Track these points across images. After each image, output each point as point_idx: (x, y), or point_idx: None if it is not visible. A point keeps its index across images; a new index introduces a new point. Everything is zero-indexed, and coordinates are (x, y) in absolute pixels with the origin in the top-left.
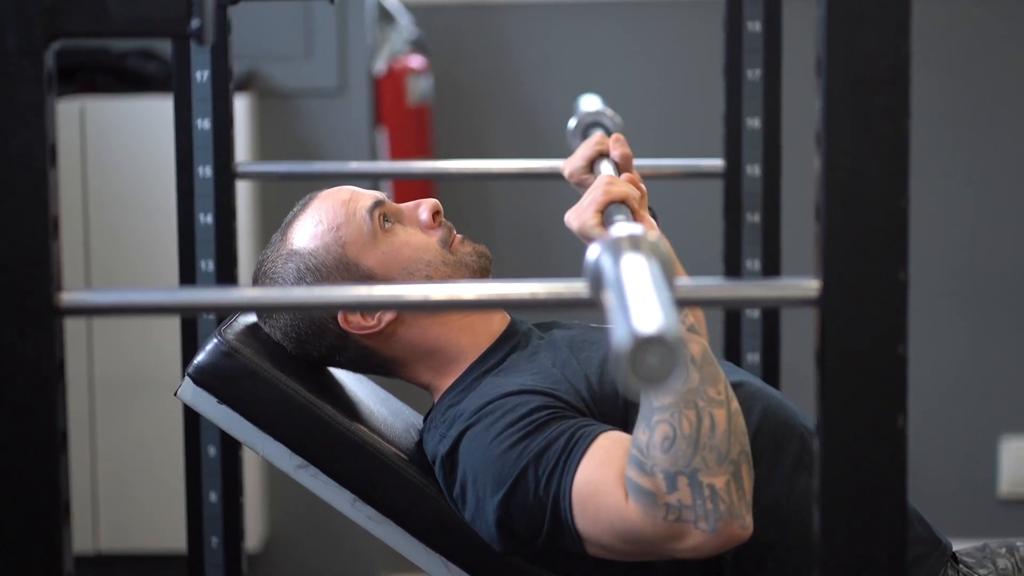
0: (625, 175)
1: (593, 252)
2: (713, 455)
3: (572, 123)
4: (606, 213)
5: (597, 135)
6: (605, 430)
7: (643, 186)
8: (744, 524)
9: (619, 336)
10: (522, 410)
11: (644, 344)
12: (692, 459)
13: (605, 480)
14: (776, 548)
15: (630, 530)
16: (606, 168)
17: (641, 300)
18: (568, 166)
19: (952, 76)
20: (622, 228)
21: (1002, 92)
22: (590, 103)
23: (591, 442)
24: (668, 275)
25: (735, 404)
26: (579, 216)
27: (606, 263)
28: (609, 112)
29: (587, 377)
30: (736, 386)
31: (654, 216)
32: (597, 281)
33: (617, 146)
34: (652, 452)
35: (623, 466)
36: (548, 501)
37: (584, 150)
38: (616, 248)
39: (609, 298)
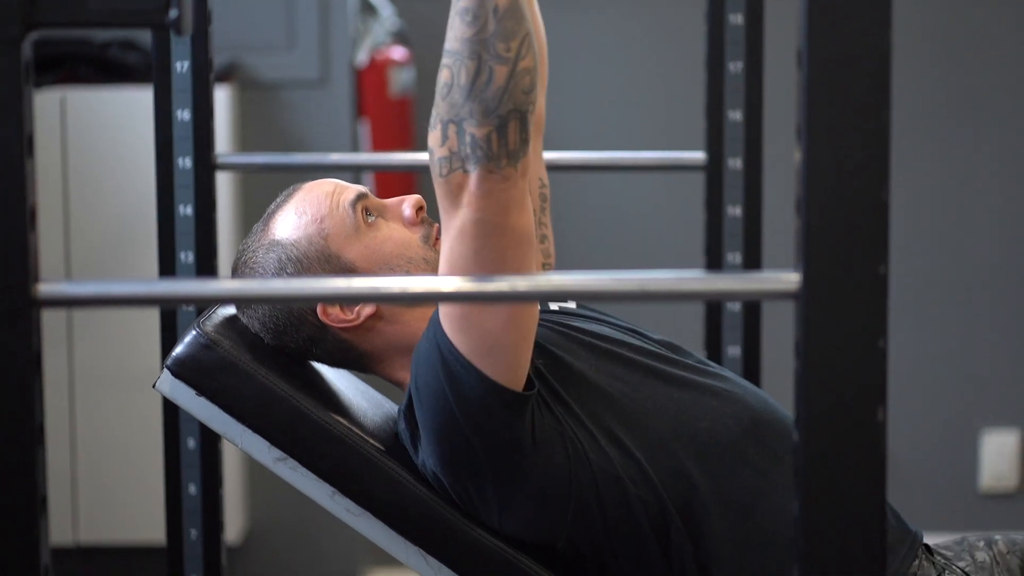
0: None
1: None
2: (480, 107)
3: None
4: None
5: None
6: None
7: None
8: (499, 165)
9: None
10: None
11: None
12: (461, 109)
13: None
14: (742, 537)
15: (441, 214)
16: None
17: None
18: None
19: (934, 69)
20: None
21: (985, 85)
22: None
23: None
24: None
25: (525, 63)
26: None
27: None
28: None
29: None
30: (702, 373)
31: None
32: None
33: None
34: (437, 100)
35: None
36: (432, 345)
37: None
38: None
39: None
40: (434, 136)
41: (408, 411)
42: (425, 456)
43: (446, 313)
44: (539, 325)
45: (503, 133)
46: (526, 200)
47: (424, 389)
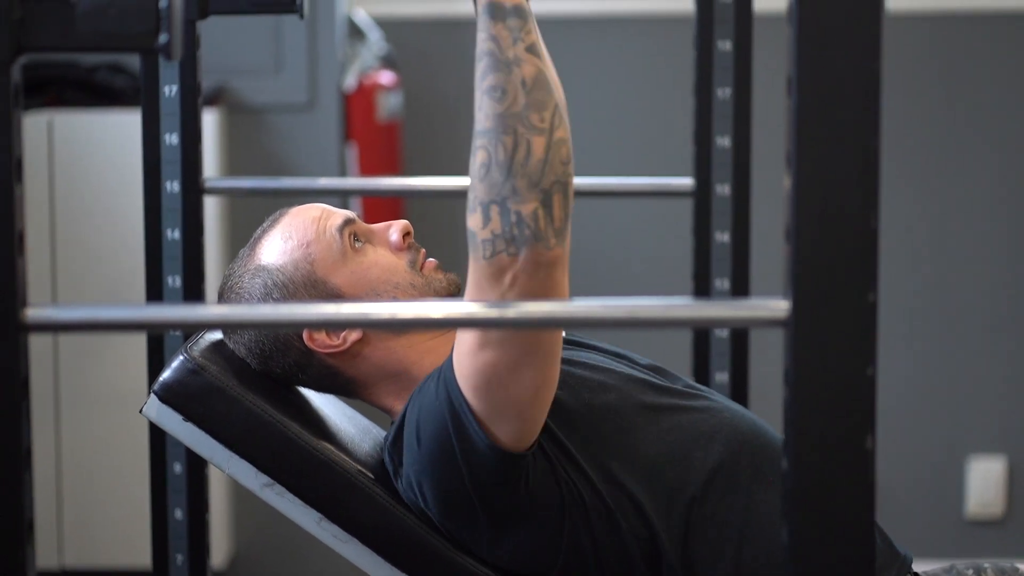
0: None
1: None
2: (524, 182)
3: None
4: None
5: None
6: None
7: None
8: (548, 246)
9: None
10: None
11: None
12: (503, 187)
13: (464, 334)
14: (734, 561)
15: (472, 293)
16: None
17: None
18: None
19: (922, 97)
20: None
21: (969, 113)
22: None
23: None
24: None
25: (560, 133)
26: None
27: None
28: None
29: None
30: (691, 397)
31: None
32: None
33: None
34: (474, 183)
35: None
36: (443, 398)
37: None
38: None
39: None
40: (474, 219)
41: (394, 445)
42: (412, 492)
43: (468, 374)
44: None
45: (548, 208)
46: (567, 276)
47: (429, 441)
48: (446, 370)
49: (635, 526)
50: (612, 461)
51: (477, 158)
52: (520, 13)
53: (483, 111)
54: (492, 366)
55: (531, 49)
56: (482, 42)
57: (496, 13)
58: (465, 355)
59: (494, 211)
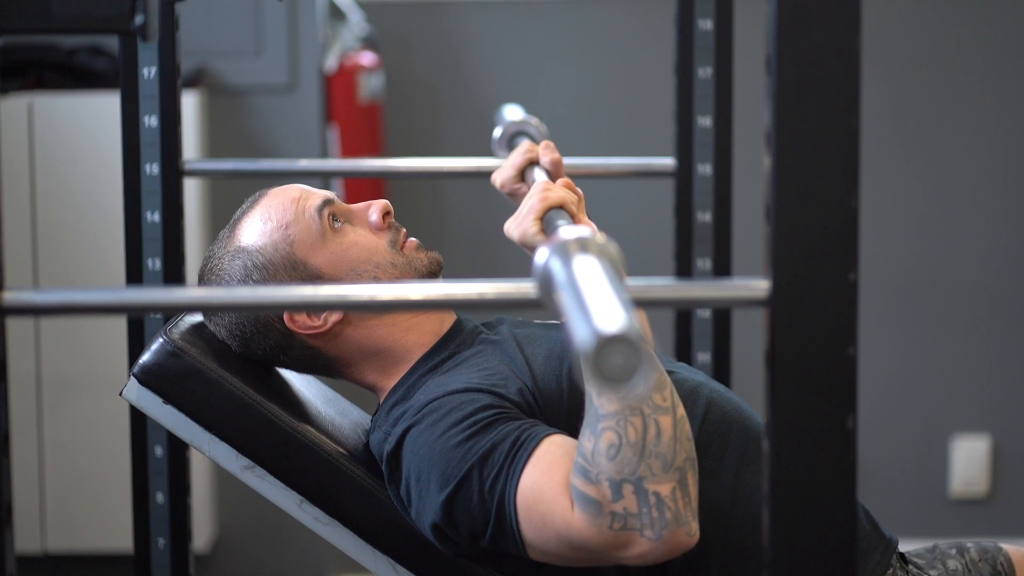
0: (560, 180)
1: (542, 256)
2: (659, 462)
3: (497, 133)
4: (546, 219)
5: (525, 143)
6: (550, 433)
7: (579, 190)
8: (690, 531)
9: (581, 337)
10: (468, 409)
11: (608, 344)
12: (638, 467)
13: (550, 487)
14: (721, 543)
15: (575, 539)
16: (539, 175)
17: (599, 300)
18: (499, 177)
19: (902, 77)
20: (568, 231)
21: (952, 93)
22: (513, 113)
23: (536, 445)
24: (619, 275)
25: (681, 410)
26: (519, 225)
27: (556, 266)
28: (534, 121)
29: (532, 372)
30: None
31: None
32: (548, 284)
33: (547, 152)
34: (598, 460)
35: (568, 472)
36: (493, 505)
37: (514, 158)
38: (565, 251)
39: (564, 300)
40: (599, 491)
41: (394, 455)
42: (404, 508)
43: (546, 542)
44: (523, 348)
45: (684, 487)
46: None
47: (461, 521)
48: (509, 488)
49: None
50: None
51: (604, 439)
52: None
53: (604, 396)
54: (582, 557)
55: None
56: None
57: None
58: (548, 531)
59: (627, 490)
